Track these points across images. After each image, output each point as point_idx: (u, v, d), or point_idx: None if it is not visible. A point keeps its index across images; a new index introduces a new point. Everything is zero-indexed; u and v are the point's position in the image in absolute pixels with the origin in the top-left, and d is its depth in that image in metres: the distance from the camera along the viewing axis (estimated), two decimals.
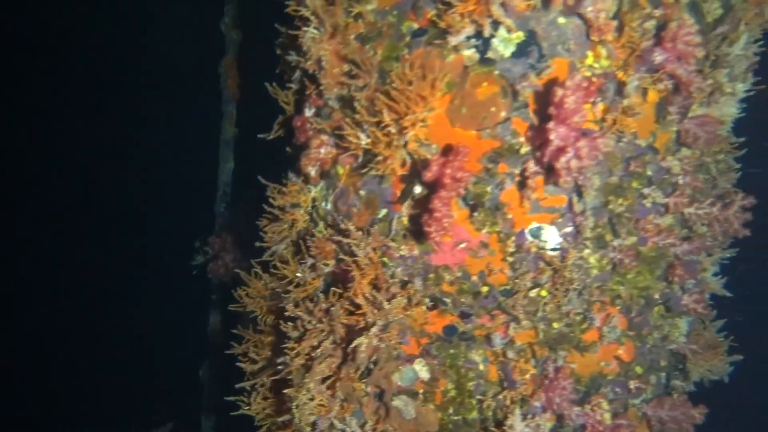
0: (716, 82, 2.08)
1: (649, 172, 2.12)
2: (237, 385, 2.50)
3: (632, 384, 2.26)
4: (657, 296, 2.26)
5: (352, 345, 1.95)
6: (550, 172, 1.87)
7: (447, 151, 1.97)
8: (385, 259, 2.18)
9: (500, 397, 2.08)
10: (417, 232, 1.99)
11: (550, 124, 1.77)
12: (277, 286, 2.45)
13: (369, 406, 2.21)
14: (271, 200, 2.48)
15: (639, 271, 2.18)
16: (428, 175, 1.87)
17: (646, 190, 2.11)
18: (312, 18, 2.17)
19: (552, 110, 1.79)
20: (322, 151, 2.36)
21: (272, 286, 2.51)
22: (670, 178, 2.17)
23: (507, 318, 2.11)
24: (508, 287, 2.08)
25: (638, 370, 2.32)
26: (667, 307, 2.26)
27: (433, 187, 1.93)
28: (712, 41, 2.10)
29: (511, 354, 2.10)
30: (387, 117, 1.92)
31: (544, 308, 2.07)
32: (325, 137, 2.32)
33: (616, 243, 2.08)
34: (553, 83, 1.90)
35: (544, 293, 2.07)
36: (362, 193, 2.27)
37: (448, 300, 2.15)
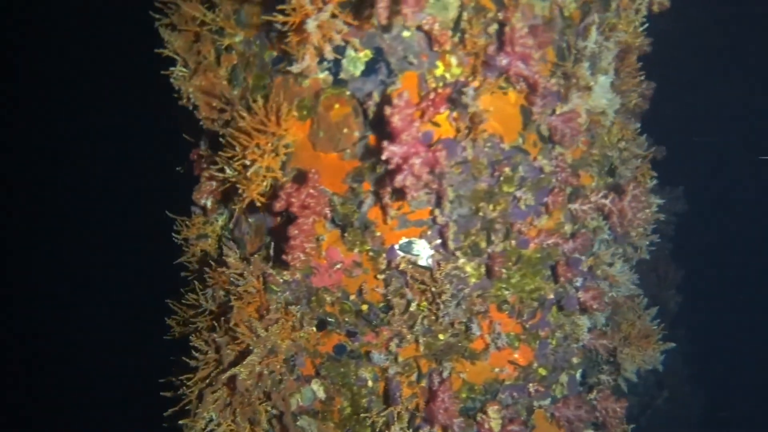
0: (572, 77, 2.02)
1: (522, 174, 2.09)
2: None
3: (533, 387, 2.24)
4: (552, 296, 2.23)
5: (227, 374, 2.01)
6: (397, 191, 1.88)
7: (301, 177, 2.00)
8: (272, 285, 2.22)
9: (386, 413, 2.10)
10: (281, 260, 2.03)
11: (384, 143, 1.77)
12: (188, 316, 2.53)
13: (276, 427, 2.27)
14: (176, 234, 2.56)
15: (524, 274, 2.16)
16: (277, 205, 1.90)
17: (518, 193, 2.08)
18: (177, 57, 2.23)
19: (386, 128, 1.80)
20: (213, 183, 2.42)
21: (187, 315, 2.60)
22: (547, 177, 2.13)
23: (392, 333, 2.13)
24: (384, 304, 2.09)
25: (542, 371, 2.30)
26: (560, 306, 2.22)
27: (288, 215, 1.96)
28: (569, 36, 2.05)
29: (394, 370, 2.11)
30: (238, 150, 1.97)
31: (423, 321, 2.07)
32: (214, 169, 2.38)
33: (490, 250, 2.06)
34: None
35: (423, 306, 2.07)
36: (251, 220, 2.32)
37: (332, 320, 2.18)
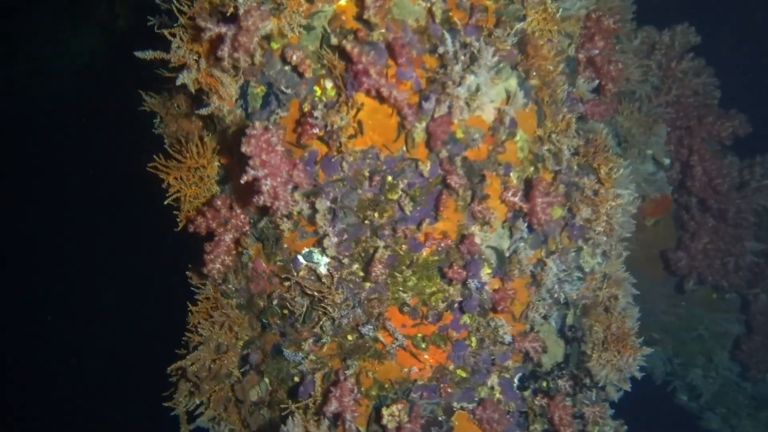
0: (444, 81, 2.07)
1: (409, 181, 2.20)
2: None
3: (447, 388, 2.29)
4: (460, 298, 2.27)
5: (176, 365, 2.47)
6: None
7: (213, 203, 2.38)
8: (226, 292, 2.64)
9: (300, 404, 2.35)
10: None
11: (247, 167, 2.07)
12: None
13: (235, 414, 2.68)
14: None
15: (420, 277, 2.25)
16: (192, 227, 2.32)
17: (405, 199, 2.19)
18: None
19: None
20: None
21: None
22: (434, 182, 2.20)
23: (310, 335, 2.39)
24: (295, 308, 2.36)
25: (461, 373, 2.34)
26: (461, 307, 2.25)
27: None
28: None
29: (306, 367, 2.36)
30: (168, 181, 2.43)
31: (326, 324, 2.30)
32: None
33: (377, 255, 2.20)
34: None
35: (322, 310, 2.30)
36: None
37: (266, 321, 2.51)
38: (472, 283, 2.21)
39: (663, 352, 5.05)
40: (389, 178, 2.22)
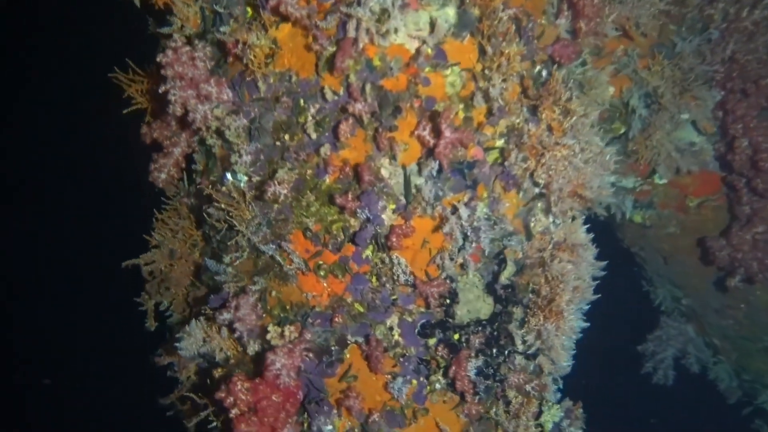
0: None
1: (318, 106, 2.23)
2: None
3: (340, 319, 2.31)
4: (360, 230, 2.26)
5: (130, 262, 2.80)
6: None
7: None
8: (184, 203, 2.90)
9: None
10: None
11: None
12: None
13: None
14: None
15: (322, 204, 2.27)
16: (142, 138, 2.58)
17: (310, 125, 2.23)
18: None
19: None
20: None
21: None
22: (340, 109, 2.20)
23: (232, 249, 2.54)
24: (216, 223, 2.52)
25: (358, 307, 2.34)
26: (353, 241, 2.23)
27: None
28: None
29: (223, 278, 2.51)
30: None
31: (240, 240, 2.43)
32: None
33: (284, 177, 2.27)
34: None
35: (241, 226, 2.43)
36: None
37: (208, 233, 2.72)
38: (362, 214, 2.17)
39: (727, 362, 4.38)
40: (301, 101, 2.25)
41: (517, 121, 2.33)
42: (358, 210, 2.17)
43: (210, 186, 2.44)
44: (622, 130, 3.27)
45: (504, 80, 2.22)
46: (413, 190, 2.24)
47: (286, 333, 2.33)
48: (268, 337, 2.28)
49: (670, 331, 4.41)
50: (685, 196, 3.45)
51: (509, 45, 2.24)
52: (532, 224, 2.50)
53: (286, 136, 2.29)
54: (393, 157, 2.22)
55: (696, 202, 3.44)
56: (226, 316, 2.33)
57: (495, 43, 2.23)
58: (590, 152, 2.41)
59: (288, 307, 2.43)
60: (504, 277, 2.46)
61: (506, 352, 2.47)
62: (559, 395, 2.80)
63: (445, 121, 2.10)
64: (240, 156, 2.33)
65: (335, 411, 2.30)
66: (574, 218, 2.51)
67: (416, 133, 2.16)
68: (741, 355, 4.18)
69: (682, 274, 3.86)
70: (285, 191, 2.27)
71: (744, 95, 2.94)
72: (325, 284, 2.36)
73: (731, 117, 2.92)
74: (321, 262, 2.35)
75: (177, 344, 2.37)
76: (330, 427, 2.27)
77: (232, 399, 2.13)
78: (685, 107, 3.08)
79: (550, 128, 2.34)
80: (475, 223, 2.29)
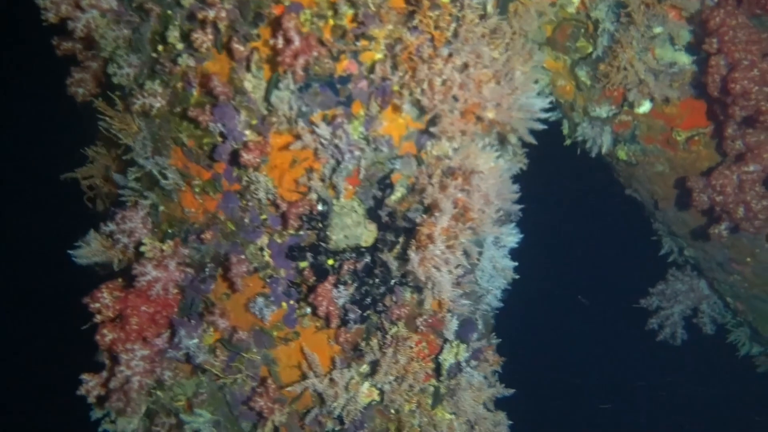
0: None
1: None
2: None
3: (209, 235, 2.32)
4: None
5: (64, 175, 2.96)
6: None
7: None
8: None
9: None
10: None
11: None
12: None
13: None
14: None
15: (190, 120, 2.24)
16: None
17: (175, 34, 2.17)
18: None
19: None
20: None
21: None
22: None
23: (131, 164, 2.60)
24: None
25: (230, 225, 2.33)
26: (211, 156, 2.18)
27: None
28: None
29: (127, 192, 2.59)
30: None
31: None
32: None
33: (156, 89, 2.25)
34: None
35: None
36: None
37: None
38: (215, 128, 2.11)
39: (744, 323, 3.87)
40: (168, 11, 2.18)
41: (398, 30, 2.10)
42: (211, 124, 2.11)
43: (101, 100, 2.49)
44: (590, 49, 2.85)
45: None
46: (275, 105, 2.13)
47: (165, 248, 2.37)
48: (143, 249, 2.35)
49: (677, 286, 3.95)
50: (672, 129, 2.98)
51: None
52: (428, 148, 2.29)
53: (160, 47, 2.25)
54: (249, 69, 2.11)
55: (684, 136, 2.96)
56: (109, 227, 2.42)
57: None
58: (483, 67, 2.13)
59: (173, 222, 2.47)
60: (389, 203, 2.30)
61: (391, 282, 2.35)
62: (476, 336, 2.67)
63: (290, 27, 1.94)
64: (120, 68, 2.33)
65: (204, 326, 2.35)
66: (472, 142, 2.27)
67: (270, 41, 2.03)
68: (757, 317, 3.67)
69: (677, 220, 3.40)
70: (158, 104, 2.25)
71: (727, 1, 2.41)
72: (200, 200, 2.36)
73: (705, 28, 2.41)
74: (198, 180, 2.34)
75: (71, 251, 2.51)
76: (195, 341, 2.33)
77: (95, 305, 2.24)
78: (658, 19, 2.60)
79: (432, 39, 2.09)
80: (345, 143, 2.15)
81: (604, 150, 3.18)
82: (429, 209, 2.21)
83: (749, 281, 3.39)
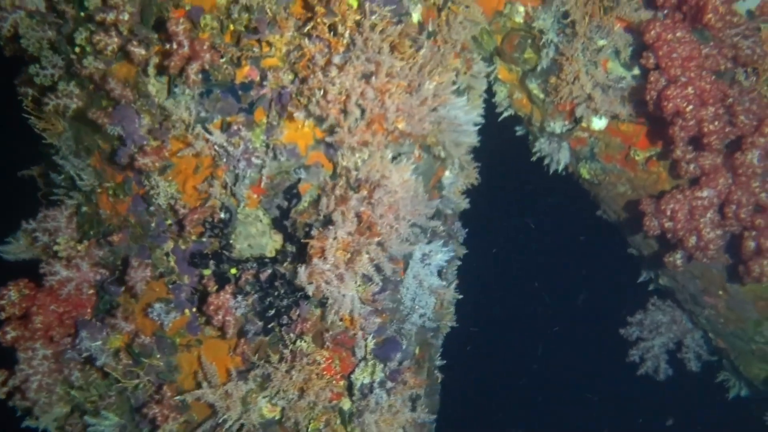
0: None
1: None
2: None
3: (117, 238, 2.34)
4: None
5: None
6: None
7: None
8: None
9: None
10: None
11: None
12: None
13: None
14: None
15: None
16: None
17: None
18: None
19: None
20: None
21: None
22: None
23: None
24: None
25: (139, 229, 2.34)
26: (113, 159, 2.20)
27: None
28: None
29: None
30: None
31: None
32: None
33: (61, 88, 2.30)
34: None
35: None
36: None
37: None
38: (113, 131, 2.12)
39: (727, 362, 3.59)
40: (81, 13, 2.23)
41: (298, 36, 2.07)
42: (109, 126, 2.13)
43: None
44: (537, 61, 2.72)
45: None
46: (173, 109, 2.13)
47: (80, 248, 2.41)
48: (56, 248, 2.39)
49: (657, 316, 3.71)
50: (630, 147, 2.80)
51: None
52: (338, 158, 2.24)
53: (77, 49, 2.30)
54: (159, 73, 2.12)
55: (643, 156, 2.78)
56: (31, 225, 2.48)
57: None
58: (387, 76, 2.06)
59: (93, 224, 2.50)
60: (293, 214, 2.26)
61: (297, 295, 2.30)
62: (398, 356, 2.58)
63: (178, 32, 1.94)
64: (42, 68, 2.39)
65: (109, 329, 2.36)
66: (381, 156, 2.20)
67: (167, 46, 2.03)
68: (738, 356, 3.39)
69: (646, 245, 3.19)
70: (74, 105, 2.29)
71: (672, 10, 2.25)
72: (113, 203, 2.38)
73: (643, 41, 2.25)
74: (110, 182, 2.37)
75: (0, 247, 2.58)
76: (98, 343, 2.34)
77: (0, 302, 2.30)
78: (603, 31, 2.45)
79: (330, 45, 2.04)
80: (241, 150, 2.12)
81: (561, 167, 3.02)
82: (327, 222, 2.15)
83: (724, 317, 3.14)
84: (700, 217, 2.45)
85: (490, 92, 3.05)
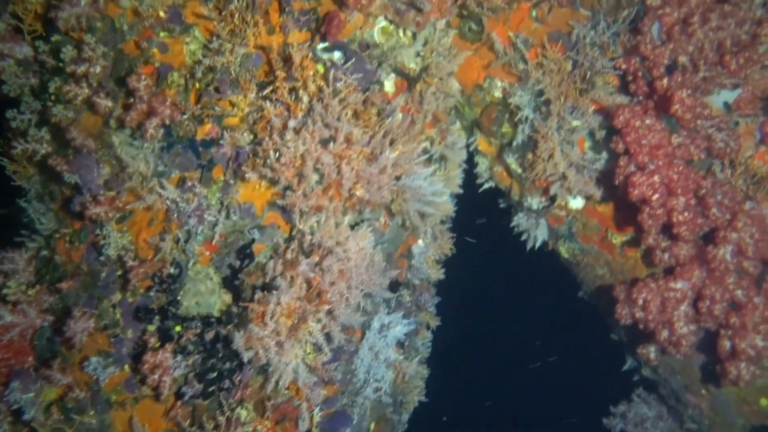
0: None
1: None
2: None
3: (66, 285, 2.31)
4: None
5: None
6: None
7: None
8: None
9: None
10: None
11: None
12: None
13: None
14: None
15: None
16: None
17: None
18: None
19: None
20: None
21: None
22: None
23: None
24: None
25: (88, 279, 2.31)
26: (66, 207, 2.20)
27: None
28: None
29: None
30: None
31: None
32: None
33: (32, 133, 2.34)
34: None
35: None
36: None
37: None
38: (71, 179, 2.13)
39: None
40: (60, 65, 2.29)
41: (261, 98, 2.09)
42: (67, 174, 2.14)
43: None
44: (513, 136, 2.71)
45: (236, 48, 2.01)
46: (131, 162, 2.14)
47: (31, 293, 2.39)
48: (5, 292, 2.37)
49: (642, 410, 3.50)
50: (606, 230, 2.72)
51: (250, 9, 2.03)
52: (297, 220, 2.21)
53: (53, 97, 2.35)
54: (120, 125, 2.15)
55: (620, 240, 2.69)
56: None
57: (237, 7, 2.03)
58: (345, 142, 2.06)
59: (49, 269, 2.49)
60: (243, 274, 2.22)
61: (242, 358, 2.23)
62: (348, 430, 2.46)
63: (138, 87, 1.98)
64: (21, 113, 2.44)
65: (43, 380, 2.29)
66: (337, 222, 2.17)
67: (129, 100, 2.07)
68: None
69: (627, 333, 3.05)
70: (43, 150, 2.32)
71: (645, 97, 2.23)
72: (69, 250, 2.37)
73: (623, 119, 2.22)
74: (68, 228, 2.36)
75: None
76: (30, 394, 2.26)
77: None
78: (578, 112, 2.43)
79: (289, 108, 2.05)
80: (194, 206, 2.11)
81: (537, 243, 2.95)
82: (272, 286, 2.10)
83: (709, 419, 2.94)
84: (673, 309, 2.34)
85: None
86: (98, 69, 2.13)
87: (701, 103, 2.08)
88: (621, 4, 2.49)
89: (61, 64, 2.30)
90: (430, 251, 2.83)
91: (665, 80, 2.11)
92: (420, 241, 2.85)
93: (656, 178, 2.07)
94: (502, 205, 3.25)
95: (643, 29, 2.30)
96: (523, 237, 3.01)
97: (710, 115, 2.16)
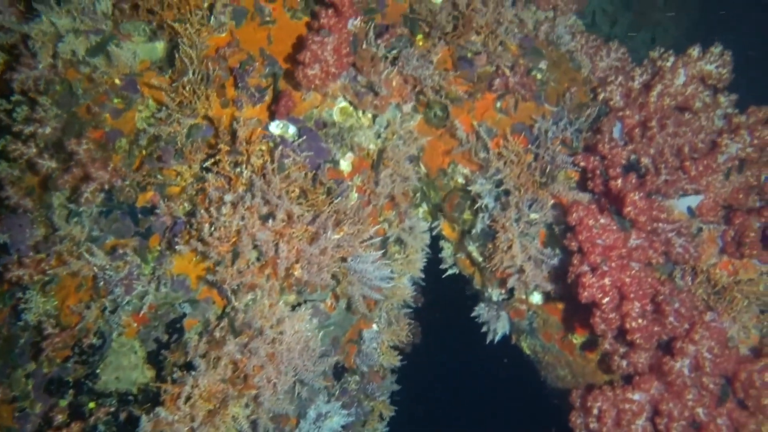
0: None
1: None
2: None
3: None
4: None
5: None
6: None
7: None
8: None
9: None
10: None
11: None
12: None
13: None
14: None
15: None
16: None
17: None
18: None
19: None
20: None
21: None
22: None
23: None
24: None
25: (6, 344, 2.20)
26: None
27: None
28: None
29: None
30: None
31: None
32: None
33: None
34: None
35: None
36: None
37: None
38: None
39: None
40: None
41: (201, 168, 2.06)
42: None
43: None
44: (473, 224, 2.64)
45: (184, 119, 1.99)
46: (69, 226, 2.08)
47: None
48: None
49: None
50: (566, 330, 2.60)
51: (203, 83, 2.03)
52: (231, 297, 2.12)
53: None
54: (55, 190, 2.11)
55: (580, 341, 2.56)
56: None
57: (190, 80, 2.03)
58: (285, 221, 2.00)
59: None
60: (166, 351, 2.10)
61: None
62: None
63: (77, 151, 1.95)
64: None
65: None
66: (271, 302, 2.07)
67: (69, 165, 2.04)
68: None
69: None
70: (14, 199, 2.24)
71: (602, 195, 2.18)
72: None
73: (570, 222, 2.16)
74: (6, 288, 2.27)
75: None
76: None
77: None
78: (538, 205, 2.38)
79: (230, 182, 2.01)
80: (124, 275, 2.03)
81: (498, 337, 2.82)
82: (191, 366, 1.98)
83: None
84: (629, 424, 2.18)
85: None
86: (48, 130, 2.12)
87: (658, 207, 2.03)
88: (585, 103, 2.51)
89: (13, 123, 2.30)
90: (383, 337, 2.70)
91: (619, 181, 2.07)
92: (374, 326, 2.73)
93: (607, 280, 1.98)
94: (468, 293, 3.15)
95: (602, 128, 2.29)
96: (483, 329, 2.89)
97: (671, 219, 2.10)
